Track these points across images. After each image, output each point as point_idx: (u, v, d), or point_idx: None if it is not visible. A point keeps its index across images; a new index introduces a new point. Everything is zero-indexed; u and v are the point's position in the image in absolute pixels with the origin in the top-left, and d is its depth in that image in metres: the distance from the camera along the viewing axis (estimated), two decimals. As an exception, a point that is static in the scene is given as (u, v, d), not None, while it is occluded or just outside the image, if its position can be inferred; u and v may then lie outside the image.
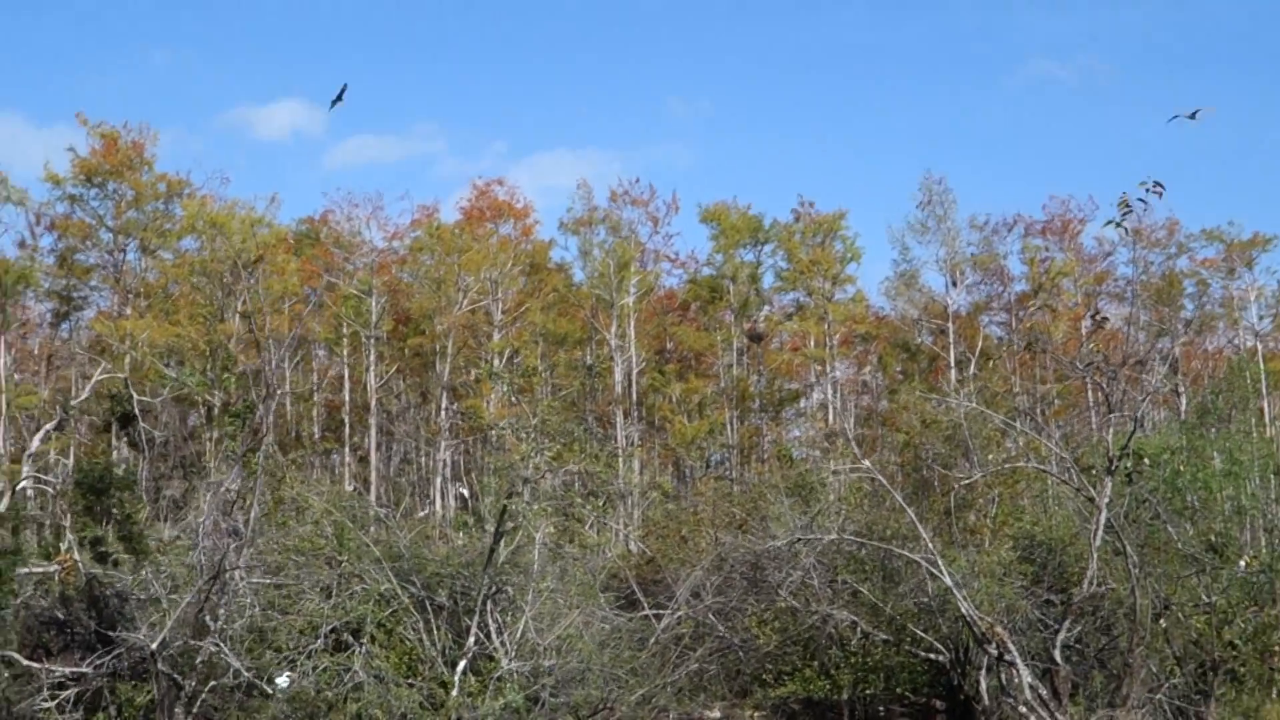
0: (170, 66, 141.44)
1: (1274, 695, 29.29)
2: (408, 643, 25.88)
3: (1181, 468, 31.02)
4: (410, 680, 25.06)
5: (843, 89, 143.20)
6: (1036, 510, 34.64)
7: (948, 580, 25.69)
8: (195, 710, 25.46)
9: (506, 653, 25.47)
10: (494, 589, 26.02)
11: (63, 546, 32.84)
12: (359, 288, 59.45)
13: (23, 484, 41.66)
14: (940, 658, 29.06)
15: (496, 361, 57.68)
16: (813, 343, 65.65)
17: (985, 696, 27.01)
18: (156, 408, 46.27)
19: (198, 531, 26.45)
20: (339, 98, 20.41)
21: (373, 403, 58.77)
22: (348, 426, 59.62)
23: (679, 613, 30.76)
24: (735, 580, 31.99)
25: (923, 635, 28.80)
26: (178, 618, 25.19)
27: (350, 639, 25.73)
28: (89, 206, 59.23)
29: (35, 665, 26.91)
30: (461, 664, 25.27)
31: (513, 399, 39.44)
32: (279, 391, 53.07)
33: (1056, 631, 26.35)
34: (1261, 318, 65.75)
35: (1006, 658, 25.45)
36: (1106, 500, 25.91)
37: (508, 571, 26.55)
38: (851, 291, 67.61)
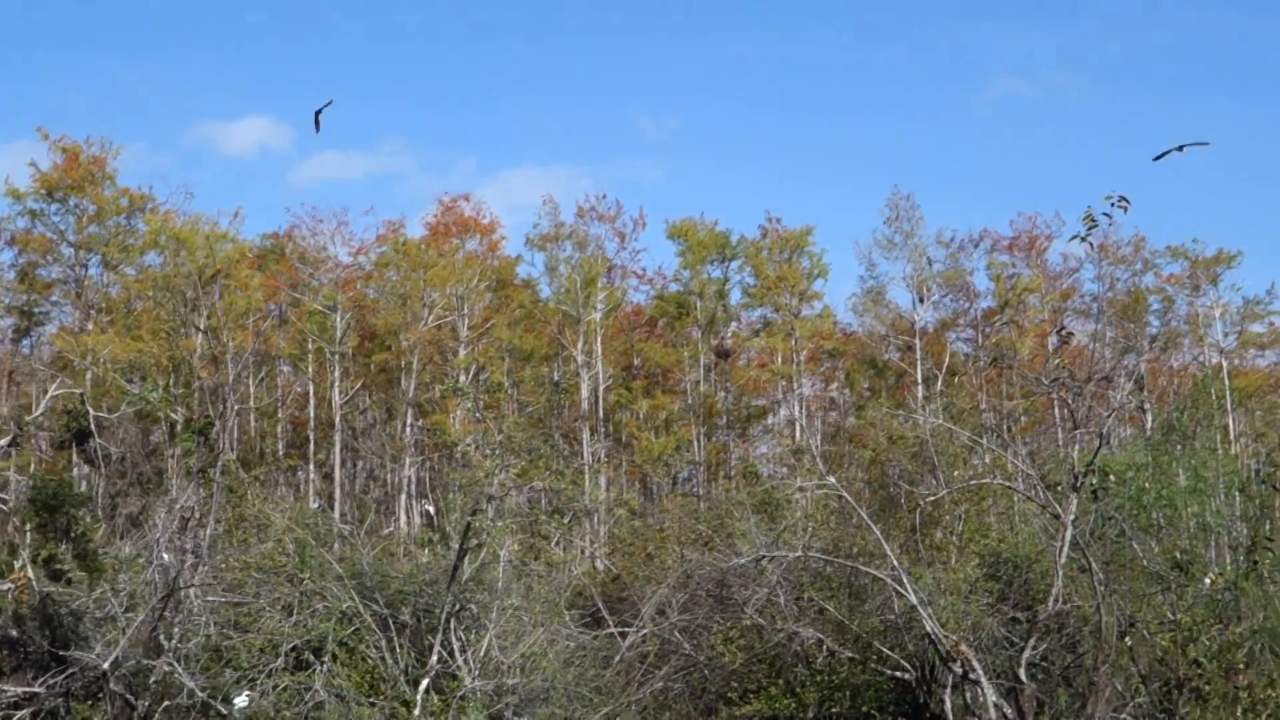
0: (137, 82, 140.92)
1: (1239, 713, 29.22)
2: (370, 661, 25.60)
3: (1147, 485, 30.97)
4: (372, 699, 24.78)
5: (811, 105, 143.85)
6: (1003, 527, 34.56)
7: (913, 598, 25.56)
8: (150, 730, 25.12)
9: (470, 671, 25.25)
10: (458, 607, 25.79)
11: (16, 564, 32.40)
12: (324, 303, 59.11)
13: (-23, 502, 41.17)
14: (906, 676, 28.91)
15: (462, 377, 57.40)
16: (780, 359, 65.65)
17: (950, 715, 26.86)
18: (113, 423, 45.79)
19: (152, 549, 26.15)
20: (321, 112, 20.23)
21: (337, 419, 58.37)
22: (312, 443, 59.21)
23: (644, 630, 30.59)
24: (701, 598, 31.82)
25: (889, 653, 28.65)
26: (130, 636, 24.89)
27: (311, 657, 25.43)
28: (50, 221, 58.83)
29: (-12, 685, 26.52)
30: (424, 683, 25.01)
31: (478, 415, 39.22)
32: (239, 407, 52.66)
33: (1022, 649, 26.23)
34: (1226, 334, 66.15)
35: (971, 676, 25.33)
36: (1072, 517, 25.84)
37: (472, 589, 26.33)
38: (819, 308, 67.85)
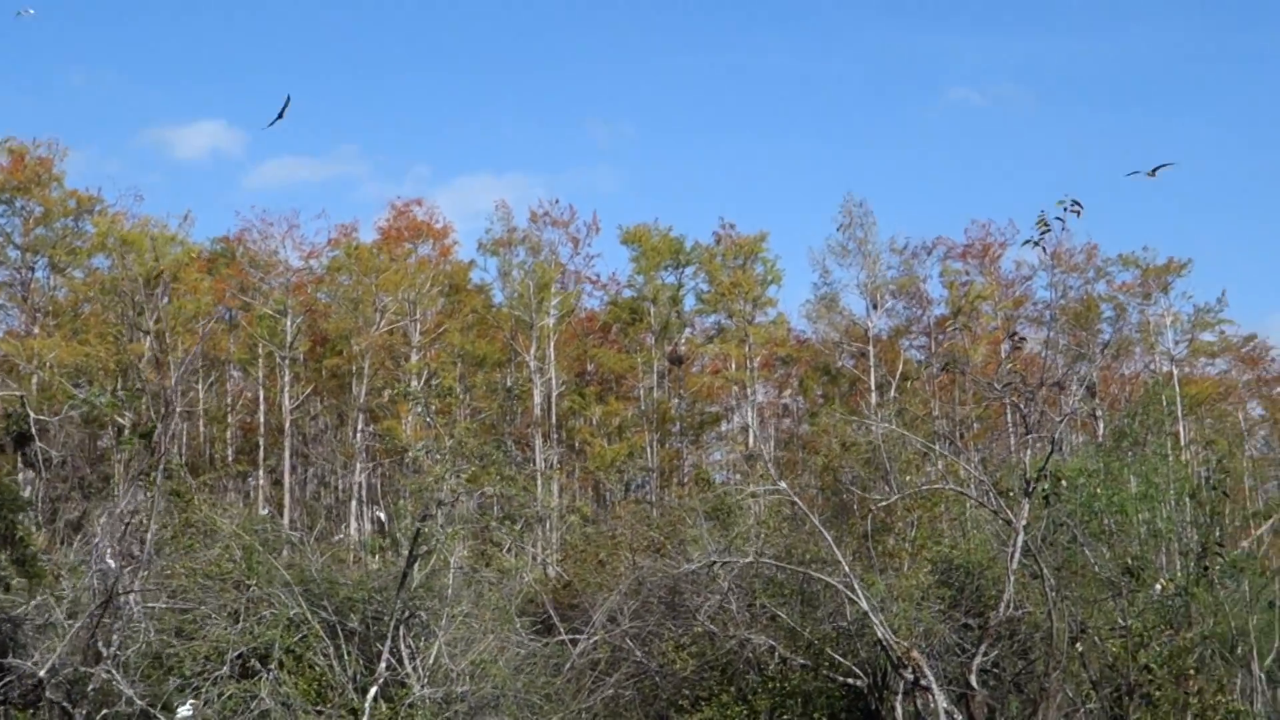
0: (88, 86, 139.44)
1: (1189, 718, 29.33)
2: (317, 669, 25.22)
3: (1099, 491, 31.08)
4: (319, 707, 24.43)
5: (765, 113, 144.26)
6: (955, 533, 34.56)
7: (865, 604, 25.47)
8: (89, 739, 24.71)
9: (419, 679, 24.94)
10: (407, 614, 25.47)
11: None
12: (274, 308, 58.57)
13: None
14: (858, 683, 28.79)
15: (414, 382, 56.99)
16: (734, 365, 65.63)
17: (902, 721, 26.79)
18: (54, 427, 45.18)
19: (94, 554, 25.75)
20: (282, 114, 20.02)
21: (288, 424, 57.87)
22: (262, 449, 58.66)
23: (595, 638, 30.34)
24: (653, 605, 31.60)
25: (841, 660, 28.53)
26: (68, 643, 24.46)
27: (258, 665, 25.05)
28: (-6, 223, 58.04)
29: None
30: (372, 690, 24.68)
31: (429, 420, 38.91)
32: (184, 411, 52.07)
33: (973, 656, 26.20)
34: (1177, 342, 66.64)
35: (923, 682, 25.26)
36: (1024, 523, 25.84)
37: (421, 596, 26.01)
38: (773, 314, 67.80)
